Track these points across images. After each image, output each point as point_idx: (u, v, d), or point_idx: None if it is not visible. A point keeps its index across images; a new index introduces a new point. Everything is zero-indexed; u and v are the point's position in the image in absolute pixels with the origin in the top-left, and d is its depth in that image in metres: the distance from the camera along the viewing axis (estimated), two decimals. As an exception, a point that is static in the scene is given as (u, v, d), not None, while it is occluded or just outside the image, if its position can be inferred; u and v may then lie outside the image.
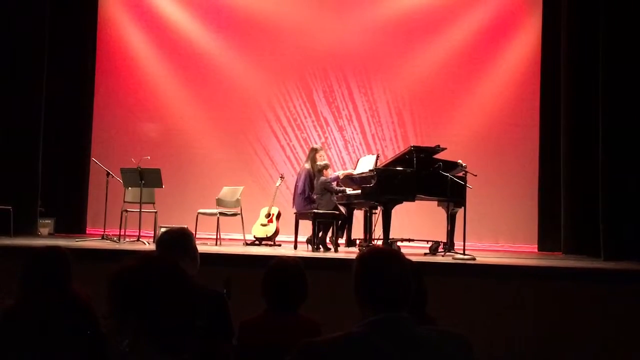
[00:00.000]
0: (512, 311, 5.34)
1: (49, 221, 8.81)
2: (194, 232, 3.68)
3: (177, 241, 3.01)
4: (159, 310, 1.46)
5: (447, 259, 6.46)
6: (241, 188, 8.44)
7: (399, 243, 7.33)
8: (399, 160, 7.18)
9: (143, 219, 7.53)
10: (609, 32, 7.41)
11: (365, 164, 7.54)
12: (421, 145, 7.34)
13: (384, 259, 1.97)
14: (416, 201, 7.05)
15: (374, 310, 1.91)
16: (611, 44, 7.39)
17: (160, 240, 3.09)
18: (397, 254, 2.01)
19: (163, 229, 7.65)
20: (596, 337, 5.24)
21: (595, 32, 7.61)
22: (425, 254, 6.95)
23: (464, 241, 6.57)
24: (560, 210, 8.44)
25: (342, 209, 7.73)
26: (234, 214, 8.18)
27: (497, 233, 9.34)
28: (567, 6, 8.50)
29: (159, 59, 9.96)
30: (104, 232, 7.76)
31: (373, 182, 6.88)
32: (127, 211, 7.77)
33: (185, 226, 3.67)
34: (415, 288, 1.99)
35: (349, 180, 7.68)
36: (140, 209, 7.53)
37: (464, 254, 6.43)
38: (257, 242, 8.27)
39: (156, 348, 1.46)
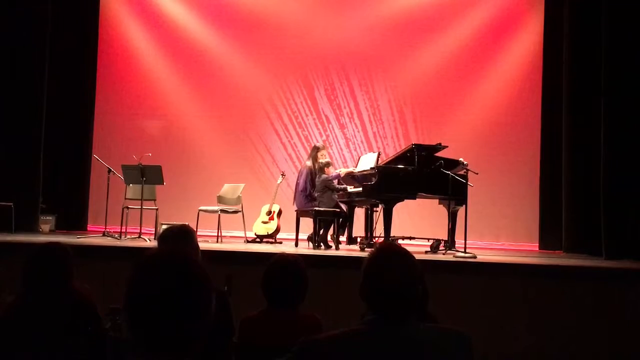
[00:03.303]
0: (513, 309, 5.35)
1: (50, 218, 8.81)
2: (195, 229, 3.68)
3: (179, 238, 3.01)
4: (174, 309, 1.44)
5: (448, 257, 6.46)
6: (242, 185, 8.44)
7: (400, 241, 7.34)
8: (400, 158, 7.17)
9: (144, 215, 7.53)
10: (612, 31, 7.40)
11: (367, 162, 7.54)
12: (422, 143, 7.34)
13: (393, 259, 1.96)
14: (417, 199, 7.05)
15: (377, 308, 1.91)
16: (613, 42, 7.38)
17: (162, 237, 3.08)
18: (408, 255, 2.00)
19: (164, 226, 7.68)
20: (597, 336, 5.24)
21: (597, 30, 7.60)
22: (427, 252, 6.95)
23: (465, 239, 6.58)
24: (562, 208, 8.43)
25: (343, 206, 7.72)
26: (235, 212, 8.18)
27: (498, 231, 9.33)
28: (569, 4, 8.49)
29: (160, 56, 9.96)
30: (105, 229, 7.76)
31: (374, 179, 6.88)
32: (128, 208, 7.77)
33: (187, 223, 3.65)
34: (421, 290, 1.99)
35: (350, 178, 7.68)
36: (142, 205, 7.53)
37: (465, 252, 6.44)
38: (258, 240, 8.28)
39: (158, 346, 1.46)
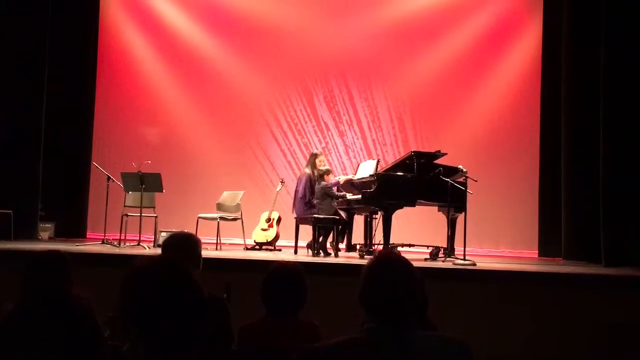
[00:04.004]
0: (513, 317, 5.34)
1: (49, 225, 8.80)
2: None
3: (184, 246, 3.02)
4: (167, 315, 1.45)
5: (447, 264, 6.46)
6: (241, 193, 8.44)
7: (399, 248, 7.33)
8: (399, 165, 7.18)
9: (143, 223, 7.52)
10: (610, 37, 7.42)
11: (366, 169, 7.54)
12: (422, 151, 7.35)
13: (393, 267, 1.96)
14: (417, 206, 7.05)
15: (377, 317, 1.91)
16: (612, 49, 7.40)
17: (168, 243, 3.08)
18: (406, 263, 2.00)
19: (163, 234, 7.70)
20: (596, 343, 5.23)
21: (596, 37, 7.61)
22: (426, 259, 6.94)
23: (465, 246, 6.57)
24: (561, 215, 8.43)
25: (343, 214, 7.72)
26: (234, 219, 8.17)
27: (498, 238, 9.33)
28: (568, 11, 8.51)
29: (160, 63, 9.98)
30: (105, 236, 7.75)
31: (373, 187, 6.88)
32: (127, 215, 7.76)
33: (192, 233, 3.62)
34: (421, 298, 1.99)
35: (350, 185, 7.68)
36: (141, 213, 7.53)
37: (464, 259, 6.43)
38: (257, 247, 8.27)
39: (156, 353, 1.46)
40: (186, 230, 3.58)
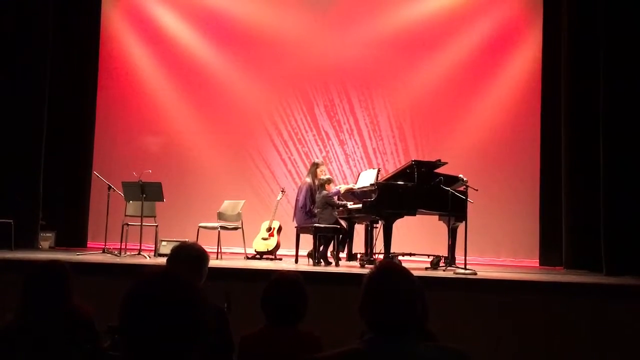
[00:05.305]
0: (514, 326, 5.33)
1: (50, 234, 8.79)
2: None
3: (195, 261, 3.04)
4: (167, 331, 1.45)
5: (448, 273, 6.44)
6: (242, 202, 8.44)
7: (400, 257, 7.32)
8: (400, 174, 7.18)
9: (144, 232, 7.52)
10: (610, 47, 7.44)
11: (366, 178, 7.55)
12: (422, 160, 7.35)
13: (392, 277, 1.96)
14: (417, 215, 7.04)
15: (377, 327, 1.91)
16: (612, 59, 7.42)
17: (177, 254, 3.08)
18: (407, 274, 2.00)
19: (164, 243, 7.69)
20: (597, 352, 5.22)
21: (596, 46, 7.63)
22: (427, 269, 6.93)
23: (465, 256, 6.56)
24: (562, 224, 8.43)
25: (343, 223, 7.72)
26: (235, 228, 8.17)
27: (499, 247, 9.31)
28: (568, 21, 8.54)
29: (160, 73, 10.00)
30: (105, 245, 7.75)
31: (374, 196, 6.89)
32: (128, 225, 7.76)
33: (204, 249, 3.53)
34: (421, 309, 1.99)
35: (350, 194, 7.68)
36: (142, 222, 7.52)
37: (465, 268, 6.42)
38: (258, 256, 8.26)
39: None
40: (197, 243, 3.54)
